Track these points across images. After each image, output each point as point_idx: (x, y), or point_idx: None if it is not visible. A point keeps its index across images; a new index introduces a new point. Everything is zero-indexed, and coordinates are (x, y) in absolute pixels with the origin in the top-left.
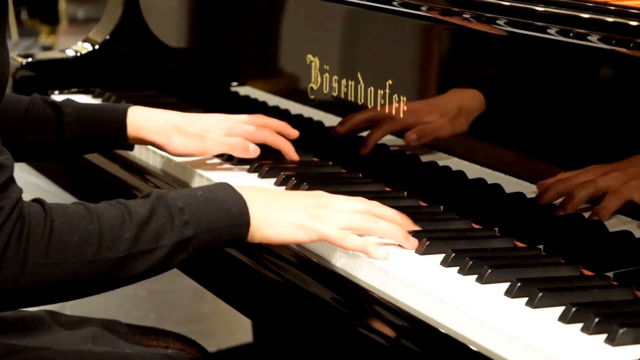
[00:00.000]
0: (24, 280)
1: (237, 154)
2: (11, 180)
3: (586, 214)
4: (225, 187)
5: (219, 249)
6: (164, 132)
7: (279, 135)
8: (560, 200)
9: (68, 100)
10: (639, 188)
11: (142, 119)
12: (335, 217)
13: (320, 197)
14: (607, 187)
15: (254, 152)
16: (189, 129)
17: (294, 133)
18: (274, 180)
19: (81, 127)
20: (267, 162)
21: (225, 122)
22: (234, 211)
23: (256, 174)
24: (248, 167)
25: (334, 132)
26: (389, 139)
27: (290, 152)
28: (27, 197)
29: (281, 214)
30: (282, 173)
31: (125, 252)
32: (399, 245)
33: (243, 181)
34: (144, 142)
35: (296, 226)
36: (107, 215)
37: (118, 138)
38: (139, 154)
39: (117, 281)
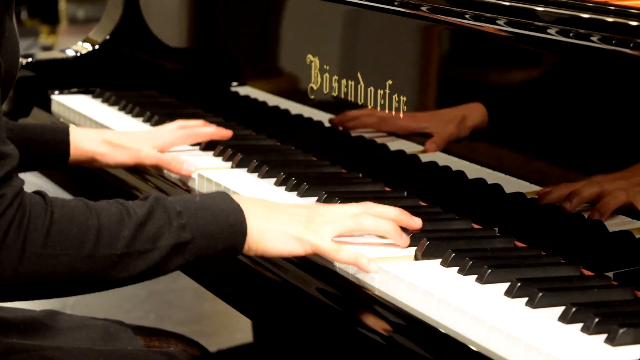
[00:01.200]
0: (22, 270)
1: (173, 168)
2: (14, 170)
3: (586, 214)
4: (223, 196)
5: (215, 258)
6: (101, 145)
7: (201, 129)
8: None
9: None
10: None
11: (82, 135)
12: (329, 224)
13: (315, 208)
14: (611, 189)
15: (187, 169)
16: (123, 142)
17: (225, 133)
18: (273, 180)
19: (22, 145)
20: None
21: (158, 133)
22: (232, 220)
23: (257, 174)
24: (247, 168)
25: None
26: (388, 139)
27: (222, 133)
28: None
29: (277, 226)
30: (282, 173)
31: (122, 250)
32: (393, 243)
33: (244, 182)
34: (82, 157)
35: (291, 238)
36: (105, 212)
37: (59, 156)
38: None
39: (113, 280)
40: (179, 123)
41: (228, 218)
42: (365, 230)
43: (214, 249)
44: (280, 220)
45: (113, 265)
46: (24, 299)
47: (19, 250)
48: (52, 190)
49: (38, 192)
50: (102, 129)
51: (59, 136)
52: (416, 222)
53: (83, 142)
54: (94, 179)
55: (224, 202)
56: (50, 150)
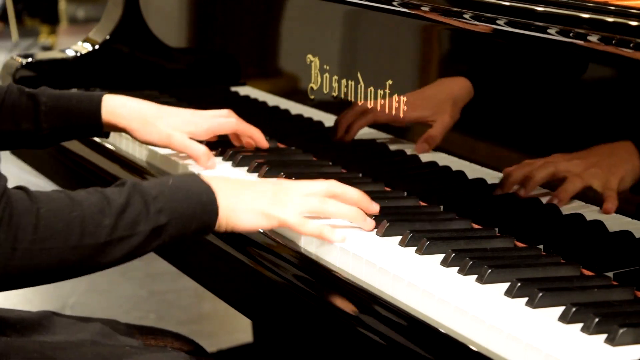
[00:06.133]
0: (13, 265)
1: (198, 160)
2: None
3: (583, 211)
4: (194, 177)
5: (190, 236)
6: (136, 120)
7: (248, 123)
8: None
9: (44, 88)
10: (598, 175)
11: (117, 106)
12: (294, 202)
13: (280, 184)
14: (567, 171)
15: (212, 164)
16: (158, 124)
17: (264, 144)
18: (274, 177)
19: (57, 116)
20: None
21: (195, 117)
22: (204, 200)
23: (257, 174)
24: (247, 167)
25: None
26: (388, 139)
27: (261, 140)
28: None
29: (245, 203)
30: (282, 173)
31: (105, 239)
32: (358, 227)
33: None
34: (116, 128)
35: (259, 214)
36: (87, 203)
37: (93, 126)
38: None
39: (98, 265)
40: (222, 112)
41: (200, 198)
42: (328, 214)
43: (189, 228)
44: (248, 197)
45: (97, 253)
46: (15, 289)
47: (10, 248)
48: (42, 184)
49: (20, 187)
50: (145, 101)
51: (92, 106)
52: (374, 207)
53: (117, 113)
54: (85, 173)
55: (195, 184)
56: (83, 121)
